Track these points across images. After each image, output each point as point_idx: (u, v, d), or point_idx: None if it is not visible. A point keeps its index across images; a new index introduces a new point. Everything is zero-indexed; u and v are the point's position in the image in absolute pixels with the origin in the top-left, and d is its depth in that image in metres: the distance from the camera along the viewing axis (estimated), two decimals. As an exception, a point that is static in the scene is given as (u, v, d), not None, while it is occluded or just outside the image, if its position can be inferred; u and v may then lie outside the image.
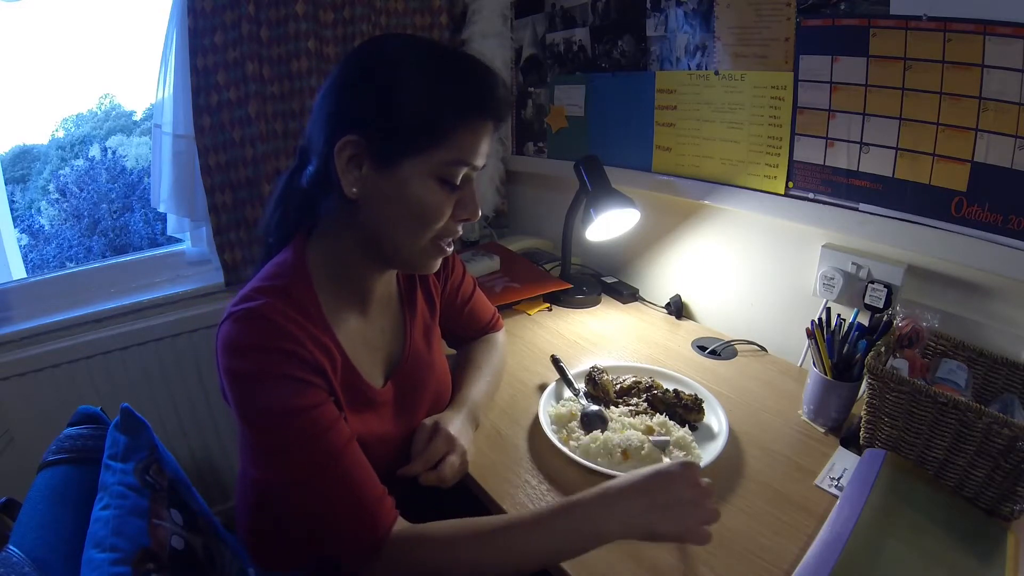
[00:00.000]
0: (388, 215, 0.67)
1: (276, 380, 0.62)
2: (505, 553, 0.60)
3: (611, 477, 0.78)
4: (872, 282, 0.98)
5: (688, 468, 0.60)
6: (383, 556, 0.64)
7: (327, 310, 0.70)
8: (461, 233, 0.74)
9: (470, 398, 0.90)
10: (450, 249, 0.74)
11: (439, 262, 0.75)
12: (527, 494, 0.78)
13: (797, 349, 1.12)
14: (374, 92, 0.64)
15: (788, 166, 1.07)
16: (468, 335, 1.05)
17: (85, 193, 2.29)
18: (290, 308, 0.64)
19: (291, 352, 0.62)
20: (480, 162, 0.69)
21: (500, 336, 1.07)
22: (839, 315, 0.93)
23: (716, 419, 0.90)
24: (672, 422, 0.88)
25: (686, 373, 1.02)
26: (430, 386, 0.86)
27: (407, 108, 0.63)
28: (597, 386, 0.96)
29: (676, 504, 0.58)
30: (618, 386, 0.97)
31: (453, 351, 1.07)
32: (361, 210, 0.68)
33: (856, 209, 0.99)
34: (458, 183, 0.68)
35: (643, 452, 0.81)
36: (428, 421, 0.82)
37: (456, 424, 0.82)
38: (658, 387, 0.95)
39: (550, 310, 1.35)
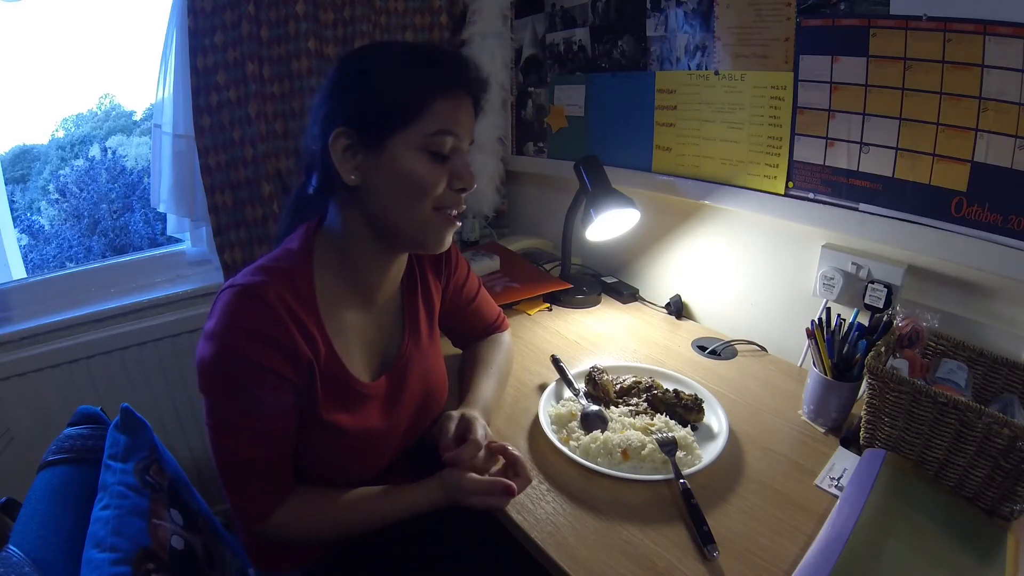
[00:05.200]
0: (386, 193, 0.71)
1: (251, 368, 0.66)
2: (364, 516, 0.76)
3: (611, 477, 0.79)
4: (872, 282, 0.98)
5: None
6: (271, 523, 0.72)
7: (322, 301, 0.73)
8: (464, 207, 0.75)
9: (482, 397, 0.90)
10: (456, 224, 0.76)
11: (448, 237, 0.76)
12: (527, 494, 0.78)
13: (797, 349, 1.12)
14: (356, 85, 0.70)
15: (788, 166, 1.07)
16: (473, 334, 1.05)
17: (85, 193, 2.29)
18: (287, 292, 0.68)
19: (275, 340, 0.66)
20: (463, 133, 0.72)
21: (506, 336, 1.07)
22: (839, 315, 0.93)
23: (716, 419, 0.90)
24: (673, 422, 0.88)
25: (686, 373, 1.02)
26: (421, 387, 0.87)
27: (385, 90, 0.68)
28: (597, 386, 0.96)
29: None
30: (618, 386, 0.97)
31: (458, 351, 1.08)
32: (363, 195, 0.72)
33: (856, 209, 0.99)
34: (446, 153, 0.71)
35: (643, 452, 0.81)
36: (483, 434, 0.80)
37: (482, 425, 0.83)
38: (658, 387, 0.95)
39: (550, 310, 1.35)
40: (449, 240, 0.77)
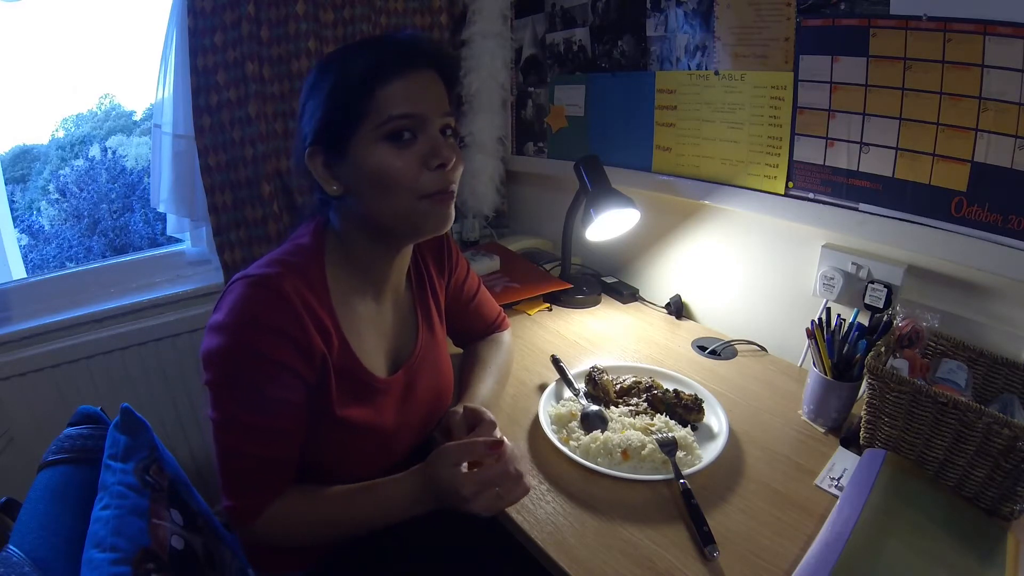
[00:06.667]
0: (366, 195, 0.71)
1: (262, 361, 0.65)
2: (357, 511, 0.73)
3: (611, 477, 0.79)
4: (872, 282, 0.98)
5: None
6: (259, 522, 0.71)
7: (334, 295, 0.74)
8: (455, 183, 0.73)
9: (481, 396, 0.90)
10: (450, 200, 0.73)
11: (445, 215, 0.73)
12: (527, 495, 0.77)
13: (797, 349, 1.12)
14: (311, 103, 0.71)
15: (788, 166, 1.07)
16: (474, 334, 1.05)
17: (85, 193, 2.28)
18: (302, 285, 0.68)
19: (290, 335, 0.66)
20: (425, 109, 0.69)
21: (506, 336, 1.07)
22: (839, 315, 0.93)
23: (716, 419, 0.90)
24: (673, 422, 0.88)
25: (686, 373, 1.02)
26: (434, 382, 0.88)
27: (330, 98, 0.69)
28: (597, 386, 0.96)
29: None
30: (618, 386, 0.97)
31: (459, 350, 1.08)
32: (349, 202, 0.73)
33: (856, 209, 0.99)
34: (408, 136, 0.69)
35: (643, 452, 0.81)
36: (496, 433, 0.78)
37: None
38: (658, 387, 0.95)
39: (550, 310, 1.35)
40: (448, 218, 0.74)
